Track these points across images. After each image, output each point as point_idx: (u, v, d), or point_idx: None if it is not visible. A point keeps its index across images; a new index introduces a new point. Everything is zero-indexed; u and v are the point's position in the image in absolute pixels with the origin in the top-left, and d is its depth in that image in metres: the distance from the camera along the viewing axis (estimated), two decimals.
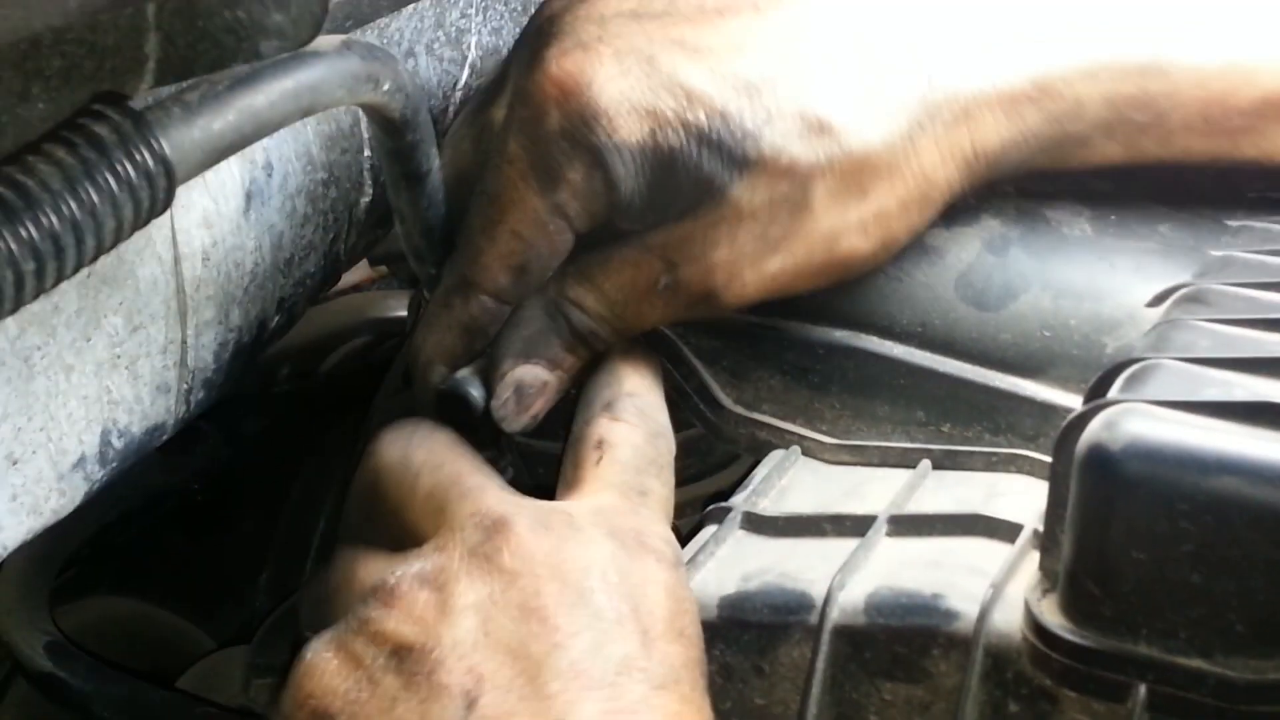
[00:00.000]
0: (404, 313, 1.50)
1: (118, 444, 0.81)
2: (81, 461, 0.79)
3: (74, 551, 1.17)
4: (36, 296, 0.57)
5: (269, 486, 1.36)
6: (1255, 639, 0.65)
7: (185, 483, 1.27)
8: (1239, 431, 0.65)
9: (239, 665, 1.16)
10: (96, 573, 1.23)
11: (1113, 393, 0.70)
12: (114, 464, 0.82)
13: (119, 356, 0.79)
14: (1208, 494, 0.64)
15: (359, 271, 1.68)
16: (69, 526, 1.12)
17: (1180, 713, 0.67)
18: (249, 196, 0.85)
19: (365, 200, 0.96)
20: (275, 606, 1.20)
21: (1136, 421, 0.67)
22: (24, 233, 0.54)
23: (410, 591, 0.72)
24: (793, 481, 0.86)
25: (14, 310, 0.56)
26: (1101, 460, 0.66)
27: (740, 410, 0.91)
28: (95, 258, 0.60)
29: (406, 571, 0.72)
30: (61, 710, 1.00)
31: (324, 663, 0.72)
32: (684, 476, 1.03)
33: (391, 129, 0.79)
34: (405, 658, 0.70)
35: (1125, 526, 0.66)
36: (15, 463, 0.73)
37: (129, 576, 1.25)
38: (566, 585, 0.71)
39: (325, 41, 0.70)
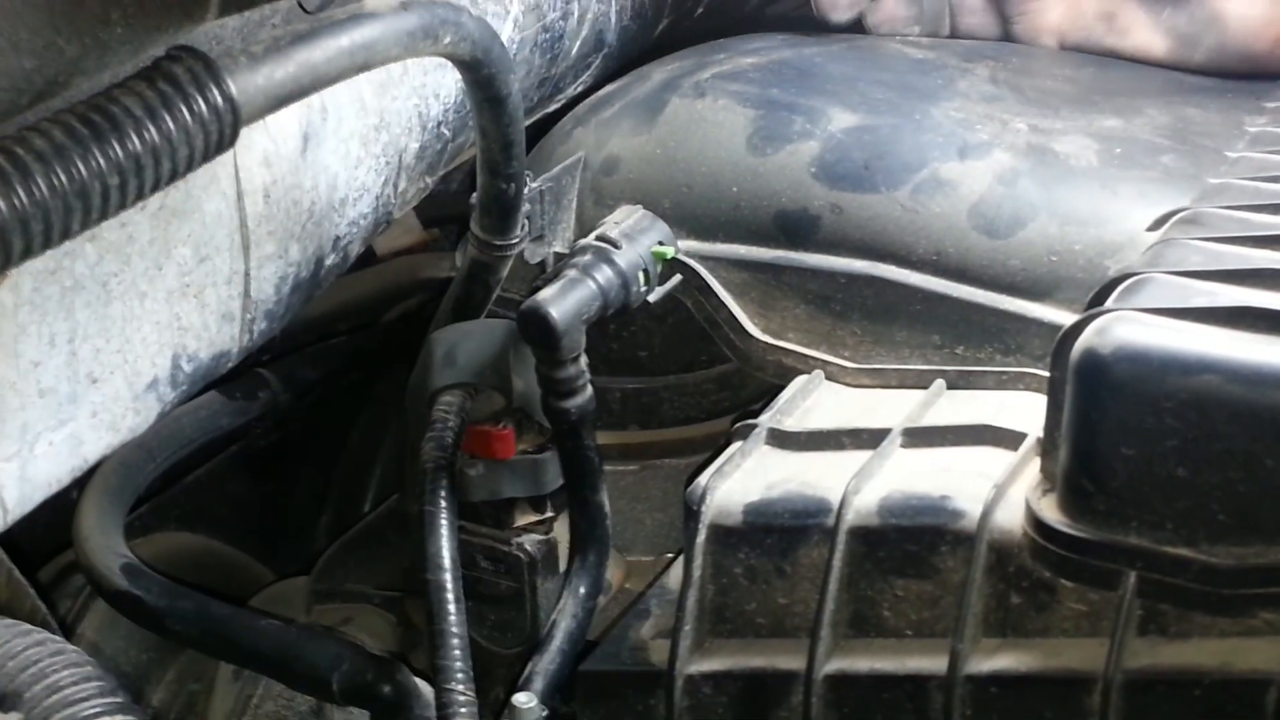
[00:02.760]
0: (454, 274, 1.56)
1: (186, 368, 0.87)
2: (154, 383, 0.85)
3: (145, 489, 1.23)
4: (119, 211, 0.63)
5: (327, 433, 1.43)
6: (1236, 527, 0.70)
7: (248, 428, 1.33)
8: (1220, 334, 0.70)
9: (300, 593, 1.23)
10: (165, 510, 1.29)
11: (1107, 305, 0.75)
12: (183, 387, 0.88)
13: (188, 286, 0.85)
14: (1191, 392, 0.69)
15: (413, 235, 1.73)
16: (140, 465, 1.19)
17: (1167, 597, 0.72)
18: (305, 139, 0.91)
19: (415, 145, 1.02)
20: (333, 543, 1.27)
21: (1125, 328, 0.72)
22: (111, 153, 0.60)
23: None
24: (815, 402, 0.92)
25: (101, 220, 0.62)
26: (1093, 364, 0.72)
27: (767, 339, 0.97)
28: (169, 181, 0.66)
29: None
30: (137, 627, 1.07)
31: None
32: (717, 409, 1.09)
33: (466, 67, 0.85)
34: None
35: (1115, 425, 0.71)
36: (95, 381, 0.80)
37: (195, 514, 1.32)
38: None
39: (385, 1, 0.76)
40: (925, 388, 0.90)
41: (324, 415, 1.41)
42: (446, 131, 1.04)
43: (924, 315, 0.92)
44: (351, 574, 1.23)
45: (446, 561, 0.93)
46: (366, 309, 1.56)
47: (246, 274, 0.90)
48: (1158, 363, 0.70)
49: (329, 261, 0.98)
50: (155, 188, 0.65)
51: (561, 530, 1.06)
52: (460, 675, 0.88)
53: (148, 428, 0.90)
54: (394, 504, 1.26)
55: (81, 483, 1.04)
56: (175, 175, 0.67)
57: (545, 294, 0.92)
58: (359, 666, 0.98)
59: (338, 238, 0.97)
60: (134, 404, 0.84)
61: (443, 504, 0.95)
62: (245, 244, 0.89)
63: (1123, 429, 0.71)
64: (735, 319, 0.97)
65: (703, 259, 0.97)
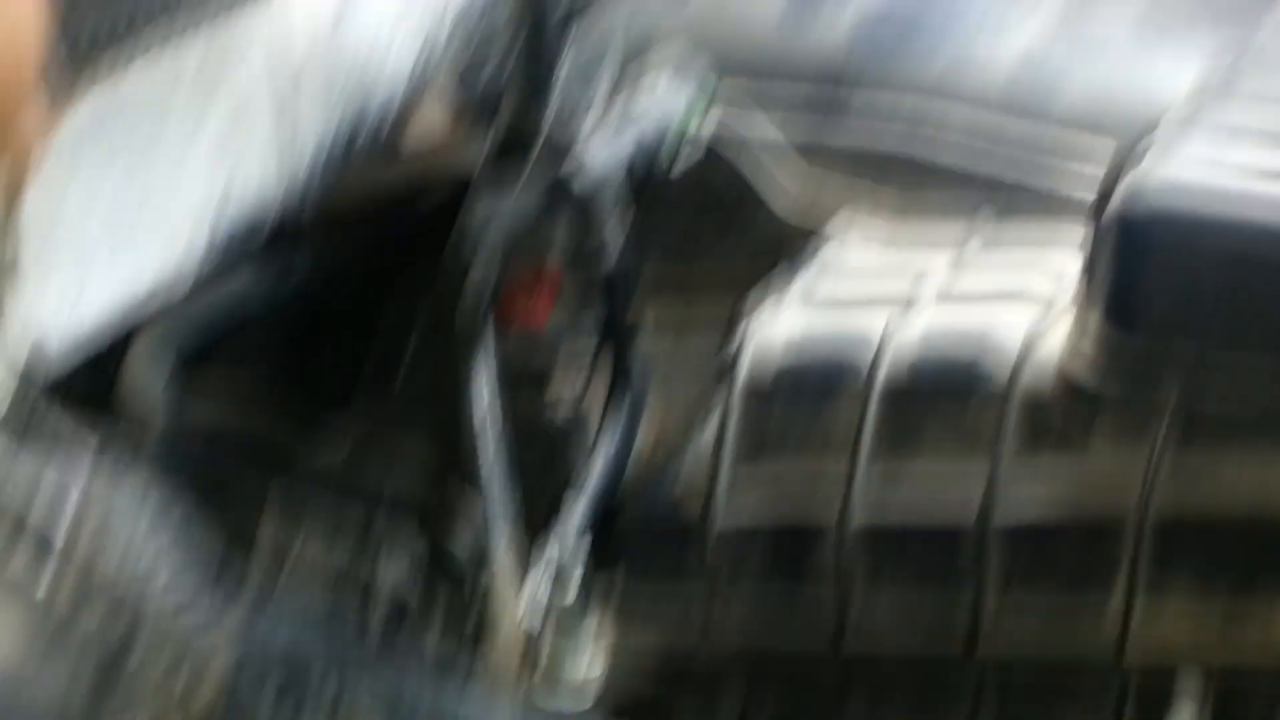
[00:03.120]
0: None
1: (233, 214, 0.90)
2: (194, 242, 0.88)
3: (184, 356, 1.26)
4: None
5: (361, 312, 1.46)
6: (1260, 370, 0.72)
7: (284, 303, 1.36)
8: (1249, 195, 0.72)
9: None
10: (203, 376, 1.33)
11: (1139, 167, 0.77)
12: (222, 246, 0.91)
13: (227, 149, 0.88)
14: (1222, 251, 0.71)
15: (443, 130, 1.75)
16: (181, 331, 1.22)
17: (1192, 434, 0.74)
18: (342, 9, 0.93)
19: (449, 22, 1.04)
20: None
21: (1158, 191, 0.74)
22: None
23: None
24: (850, 263, 0.94)
25: None
26: (1127, 227, 0.74)
27: (800, 206, 0.99)
28: None
29: None
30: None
31: None
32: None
33: None
34: None
35: (1148, 284, 0.74)
36: (138, 239, 0.83)
37: (230, 385, 1.35)
38: None
39: None
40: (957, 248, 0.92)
41: (359, 290, 1.44)
42: (480, 4, 1.06)
43: (959, 181, 0.93)
44: (391, 433, 1.27)
45: (486, 415, 0.97)
46: (400, 197, 1.58)
47: (288, 134, 0.92)
48: (1188, 223, 0.72)
49: (367, 125, 1.00)
50: None
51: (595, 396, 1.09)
52: (501, 523, 0.93)
53: (188, 296, 0.93)
54: (432, 367, 1.29)
55: (121, 349, 1.08)
56: None
57: (579, 160, 0.95)
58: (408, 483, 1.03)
59: (376, 104, 0.99)
60: (175, 262, 0.87)
61: (481, 364, 0.98)
62: (286, 110, 0.91)
63: (1155, 289, 0.73)
64: (771, 184, 0.99)
65: (745, 130, 0.99)
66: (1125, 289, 0.74)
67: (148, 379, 1.09)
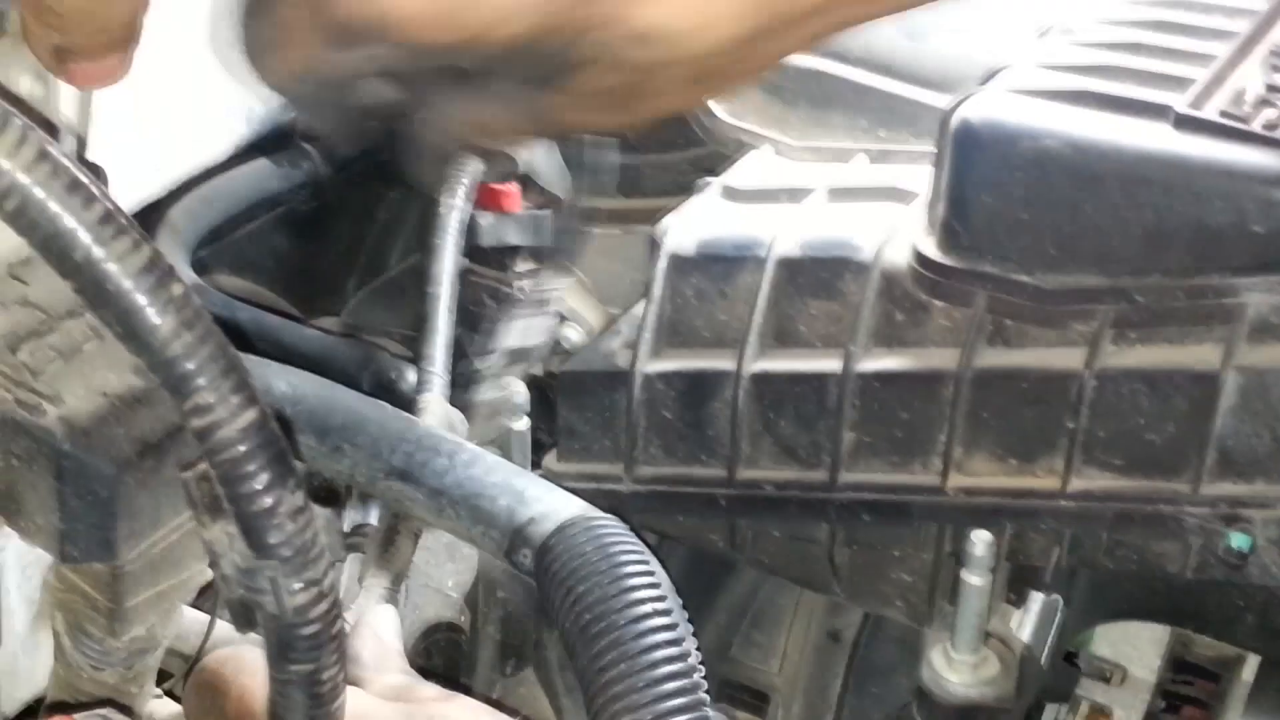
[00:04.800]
0: None
1: (259, 109, 1.09)
2: (231, 117, 1.07)
3: (202, 237, 1.44)
4: None
5: (359, 204, 1.64)
6: (1061, 258, 0.92)
7: (291, 193, 1.54)
8: (1062, 111, 0.92)
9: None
10: (218, 256, 1.51)
11: (980, 88, 0.96)
12: (254, 126, 1.10)
13: None
14: (1035, 154, 0.91)
15: None
16: (200, 214, 1.41)
17: (1009, 313, 0.94)
18: None
19: None
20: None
21: (989, 104, 0.93)
22: None
23: None
24: (762, 169, 1.14)
25: None
26: (963, 131, 0.93)
27: (731, 120, 1.19)
28: None
29: None
30: None
31: None
32: (690, 186, 1.31)
33: None
34: None
35: (978, 179, 0.93)
36: (183, 112, 1.02)
37: (243, 263, 1.54)
38: None
39: None
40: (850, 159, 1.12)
41: (356, 188, 1.62)
42: None
43: (855, 103, 1.13)
44: (375, 317, 1.45)
45: (445, 279, 1.15)
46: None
47: None
48: (1011, 130, 0.92)
49: None
50: None
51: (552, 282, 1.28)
52: (439, 359, 1.10)
53: (207, 184, 1.11)
54: (414, 262, 1.48)
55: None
56: None
57: None
58: (385, 365, 1.21)
59: None
60: (217, 136, 1.06)
61: (451, 238, 1.17)
62: None
63: (983, 182, 0.93)
64: (705, 104, 1.19)
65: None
66: (957, 183, 0.94)
67: (168, 254, 1.28)
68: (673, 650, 0.66)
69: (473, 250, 1.22)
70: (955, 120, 0.94)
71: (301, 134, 1.40)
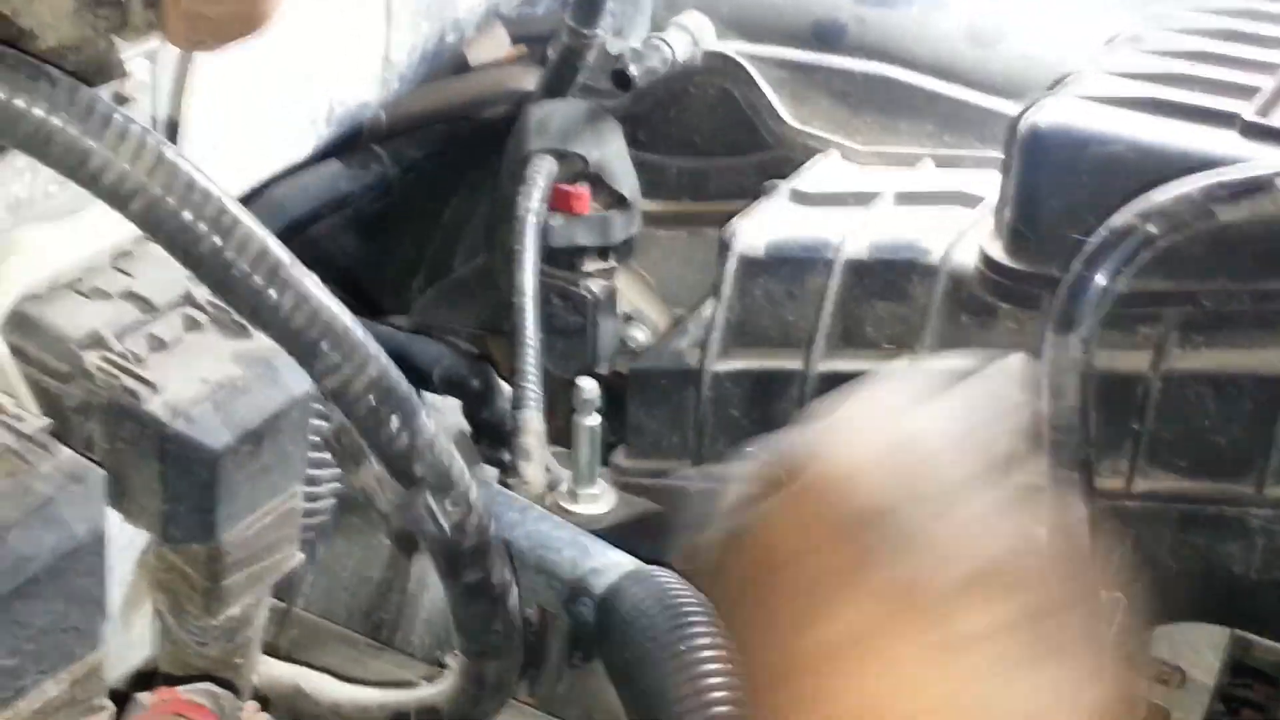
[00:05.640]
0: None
1: (339, 111, 1.11)
2: (314, 121, 1.10)
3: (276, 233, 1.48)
4: None
5: (425, 205, 1.67)
6: None
7: (361, 193, 1.57)
8: (1128, 117, 0.93)
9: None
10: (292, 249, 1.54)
11: (1048, 93, 0.98)
12: (334, 127, 1.12)
13: (344, 50, 1.09)
14: (1102, 159, 0.93)
15: (503, 49, 1.95)
16: (274, 212, 1.44)
17: None
18: None
19: None
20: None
21: (1057, 110, 0.95)
22: None
23: None
24: (830, 173, 1.15)
25: None
26: (1032, 137, 0.95)
27: (798, 125, 1.21)
28: None
29: None
30: None
31: None
32: (756, 190, 1.33)
33: None
34: None
35: (1046, 184, 0.95)
36: (275, 116, 1.05)
37: (314, 259, 1.57)
38: None
39: None
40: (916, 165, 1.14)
41: (423, 190, 1.65)
42: None
43: (922, 109, 1.15)
44: (442, 316, 1.48)
45: (529, 289, 1.18)
46: (463, 108, 1.79)
47: (387, 42, 1.13)
48: (1080, 136, 0.93)
49: (449, 39, 1.21)
50: None
51: (622, 279, 1.31)
52: (532, 374, 1.13)
53: (281, 184, 1.14)
54: (479, 263, 1.50)
55: None
56: None
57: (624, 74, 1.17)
58: (455, 363, 1.24)
59: (457, 19, 1.21)
60: (300, 136, 1.09)
61: (530, 245, 1.20)
62: (389, 19, 1.13)
63: (1052, 186, 0.95)
64: (773, 107, 1.21)
65: (750, 58, 1.21)
66: (1025, 188, 0.95)
67: None
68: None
69: (544, 251, 1.24)
70: (1024, 126, 0.95)
71: (371, 136, 1.43)
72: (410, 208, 1.67)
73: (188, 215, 0.53)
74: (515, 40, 1.92)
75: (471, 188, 1.69)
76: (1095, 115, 0.94)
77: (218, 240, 0.54)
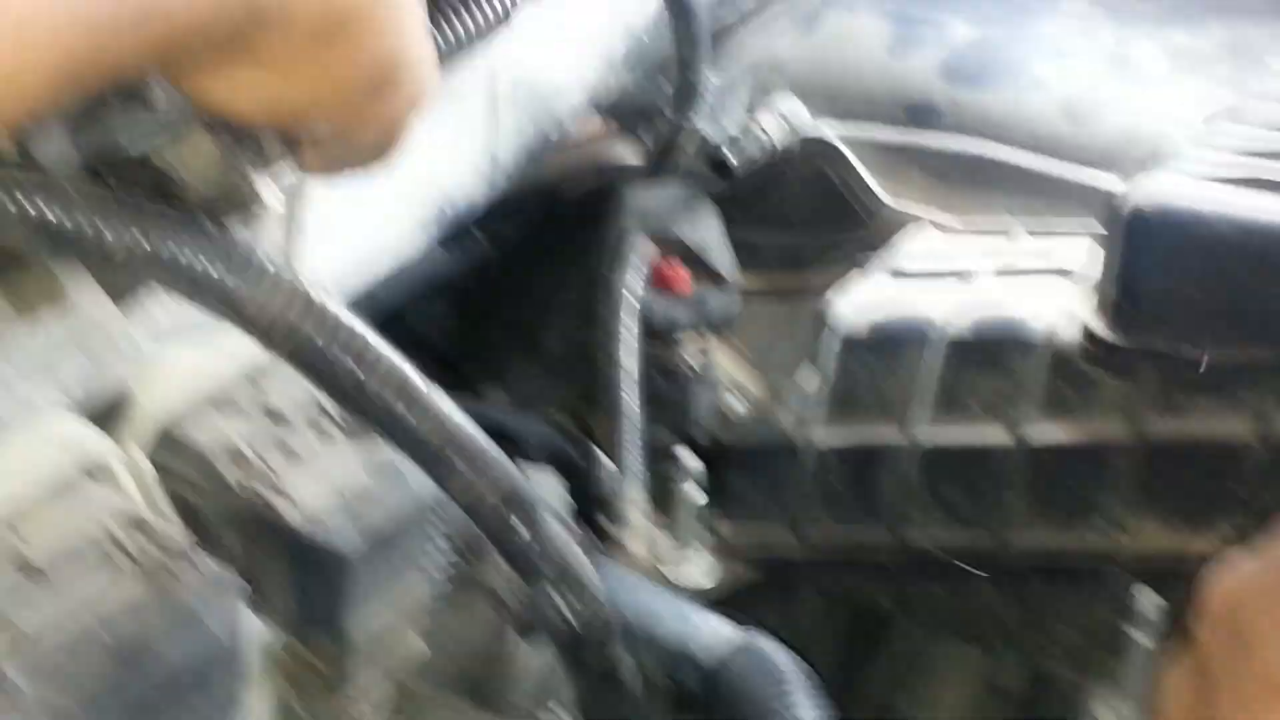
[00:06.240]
0: (630, 161, 1.82)
1: (449, 213, 1.14)
2: (427, 223, 1.13)
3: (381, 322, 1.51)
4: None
5: (520, 281, 1.70)
6: (1229, 334, 0.94)
7: (461, 276, 1.60)
8: (1231, 195, 0.94)
9: None
10: (383, 331, 1.57)
11: (1151, 169, 0.99)
12: (445, 227, 1.15)
13: (455, 150, 1.12)
14: (1206, 238, 0.94)
15: (596, 125, 1.99)
16: (380, 296, 1.47)
17: (1177, 384, 0.96)
18: (545, 43, 1.17)
19: (622, 48, 1.28)
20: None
21: (1162, 188, 0.96)
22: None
23: None
24: (927, 248, 1.17)
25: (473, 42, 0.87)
26: (1134, 215, 0.96)
27: (892, 203, 1.22)
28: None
29: None
30: None
31: None
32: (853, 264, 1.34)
33: None
34: None
35: (1149, 260, 0.96)
36: (391, 216, 1.08)
37: (408, 340, 1.59)
38: None
39: None
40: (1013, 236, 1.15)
41: (516, 264, 1.68)
42: (646, 38, 1.31)
43: (1017, 184, 1.16)
44: (534, 388, 1.51)
45: (631, 365, 1.21)
46: (556, 183, 1.82)
47: (494, 142, 1.16)
48: (1183, 215, 0.94)
49: (552, 136, 1.25)
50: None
51: (718, 352, 1.33)
52: (633, 447, 1.16)
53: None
54: (575, 337, 1.52)
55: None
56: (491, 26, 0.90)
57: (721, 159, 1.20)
58: (556, 437, 1.27)
59: (559, 118, 1.24)
60: (414, 237, 1.12)
61: (633, 323, 1.23)
62: (495, 121, 1.16)
63: (1155, 264, 0.96)
64: (868, 186, 1.23)
65: (845, 139, 1.23)
66: (1128, 265, 0.96)
67: None
68: None
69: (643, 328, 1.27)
70: (1127, 204, 0.96)
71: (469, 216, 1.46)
72: (502, 282, 1.70)
73: (335, 352, 0.57)
74: (606, 115, 1.96)
75: (564, 262, 1.72)
76: (1197, 194, 0.95)
77: (360, 374, 0.57)
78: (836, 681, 1.25)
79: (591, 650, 0.75)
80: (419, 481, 0.72)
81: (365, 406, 0.58)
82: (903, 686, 1.25)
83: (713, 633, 0.98)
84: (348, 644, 0.75)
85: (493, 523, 0.65)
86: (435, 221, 1.13)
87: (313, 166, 0.62)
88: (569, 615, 0.72)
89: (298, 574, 0.72)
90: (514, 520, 0.65)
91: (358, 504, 0.72)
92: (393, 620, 0.78)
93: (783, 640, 0.98)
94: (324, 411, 0.73)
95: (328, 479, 0.72)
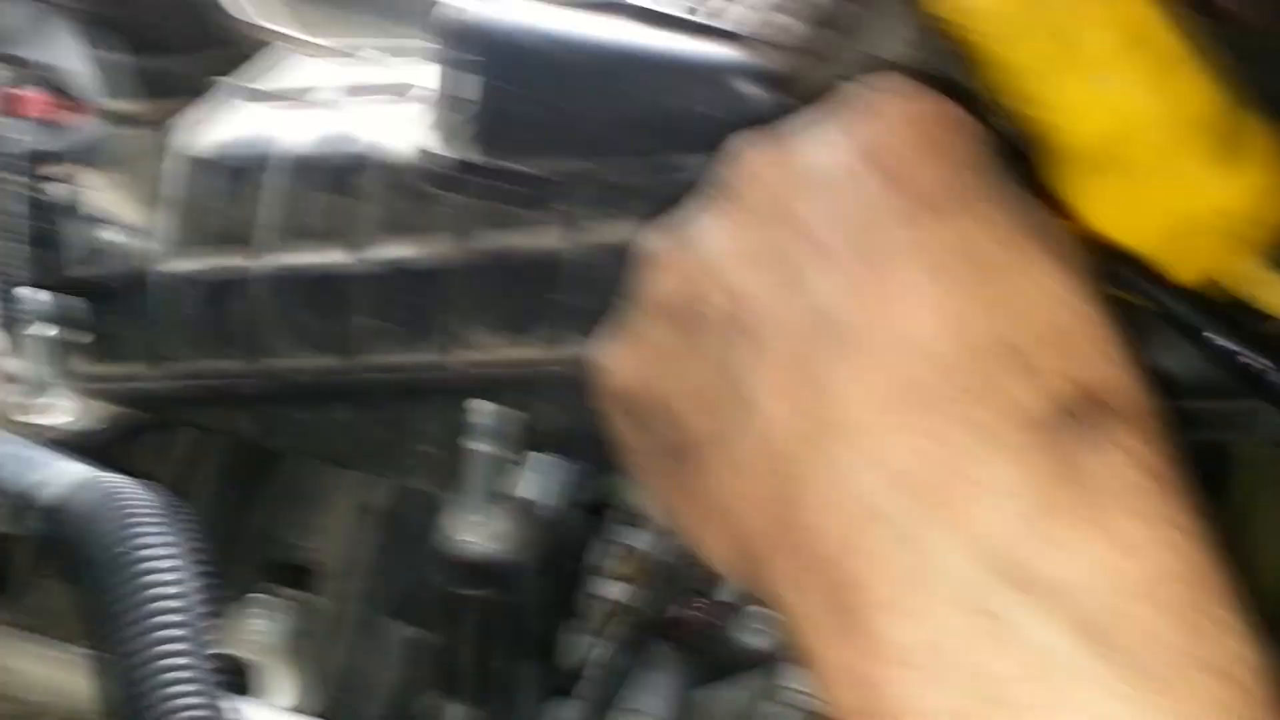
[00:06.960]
0: None
1: None
2: None
3: None
4: None
5: None
6: (545, 147, 0.98)
7: None
8: (540, 9, 0.98)
9: None
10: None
11: None
12: None
13: None
14: (520, 53, 0.97)
15: None
16: None
17: (502, 198, 1.00)
18: None
19: None
20: None
21: (480, 5, 0.98)
22: None
23: None
24: (282, 69, 1.16)
25: None
26: (452, 29, 0.98)
27: (257, 23, 1.20)
28: None
29: None
30: None
31: None
32: None
33: None
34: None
35: (470, 76, 0.98)
36: None
37: None
38: None
39: None
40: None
41: None
42: None
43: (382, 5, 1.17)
44: None
45: None
46: None
47: None
48: (495, 29, 0.97)
49: None
50: None
51: (89, 183, 1.27)
52: None
53: None
54: None
55: None
56: None
57: None
58: None
59: None
60: None
61: None
62: None
63: (475, 80, 0.98)
64: (224, 6, 1.20)
65: None
66: (452, 82, 0.99)
67: None
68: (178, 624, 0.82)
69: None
70: (447, 20, 0.98)
71: None
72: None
73: None
74: None
75: None
76: (506, 8, 0.98)
77: None
78: (218, 517, 1.25)
79: None
80: None
81: None
82: (287, 518, 1.26)
83: (57, 473, 0.96)
84: None
85: None
86: None
87: None
88: None
89: None
90: None
91: None
92: None
93: (159, 479, 0.97)
94: None
95: None
